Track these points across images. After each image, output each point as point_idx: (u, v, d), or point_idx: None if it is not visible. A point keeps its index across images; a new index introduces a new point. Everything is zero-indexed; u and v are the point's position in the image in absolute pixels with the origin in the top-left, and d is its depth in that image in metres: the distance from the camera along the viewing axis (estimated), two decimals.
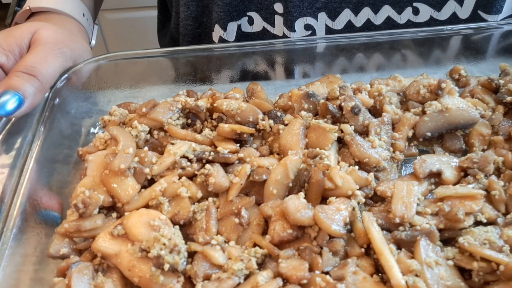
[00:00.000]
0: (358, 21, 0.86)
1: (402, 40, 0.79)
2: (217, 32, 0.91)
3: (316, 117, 0.68)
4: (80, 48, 0.77)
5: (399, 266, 0.50)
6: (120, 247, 0.53)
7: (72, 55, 0.73)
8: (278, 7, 0.85)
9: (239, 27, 0.90)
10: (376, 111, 0.71)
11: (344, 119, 0.67)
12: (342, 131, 0.65)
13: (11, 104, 0.62)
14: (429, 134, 0.66)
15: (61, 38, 0.73)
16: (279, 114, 0.69)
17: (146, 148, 0.63)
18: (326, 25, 0.87)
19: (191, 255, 0.54)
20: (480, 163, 0.60)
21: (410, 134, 0.67)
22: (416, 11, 0.83)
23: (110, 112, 0.70)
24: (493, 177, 0.59)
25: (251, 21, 0.89)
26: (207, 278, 0.52)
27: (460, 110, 0.67)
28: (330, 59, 0.81)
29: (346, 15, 0.85)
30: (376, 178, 0.62)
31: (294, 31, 0.87)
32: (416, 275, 0.50)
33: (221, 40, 0.92)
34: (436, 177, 0.62)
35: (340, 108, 0.67)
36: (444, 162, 0.62)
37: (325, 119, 0.67)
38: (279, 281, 0.50)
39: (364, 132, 0.67)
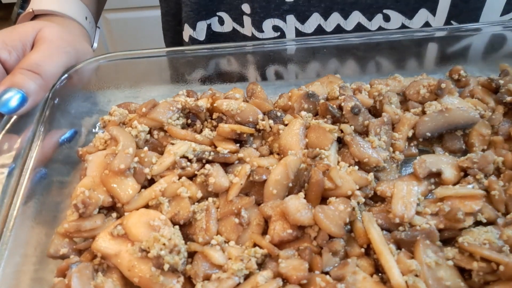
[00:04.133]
0: (328, 26, 0.85)
1: (402, 41, 0.79)
2: (187, 31, 0.92)
3: (316, 117, 0.68)
4: (83, 49, 0.77)
5: (399, 266, 0.51)
6: (120, 247, 0.53)
7: (76, 55, 0.73)
8: (246, 7, 0.85)
9: (209, 26, 0.90)
10: (376, 111, 0.71)
11: (344, 119, 0.67)
12: (342, 131, 0.65)
13: (14, 102, 0.63)
14: (429, 134, 0.66)
15: (66, 37, 0.73)
16: (279, 114, 0.69)
17: (146, 148, 0.63)
18: (295, 28, 0.86)
19: (191, 255, 0.54)
20: (480, 163, 0.60)
21: (410, 134, 0.67)
22: (387, 18, 0.83)
23: (110, 112, 0.70)
24: (493, 177, 0.59)
25: (221, 21, 0.89)
26: (207, 278, 0.52)
27: (460, 110, 0.67)
28: (330, 60, 0.81)
29: (316, 19, 0.84)
30: (376, 178, 0.62)
31: (262, 31, 0.86)
32: (416, 275, 0.50)
33: (191, 39, 0.92)
34: (436, 177, 0.62)
35: (340, 108, 0.67)
36: (444, 162, 0.62)
37: (325, 119, 0.67)
38: (279, 281, 0.50)
39: (364, 132, 0.67)
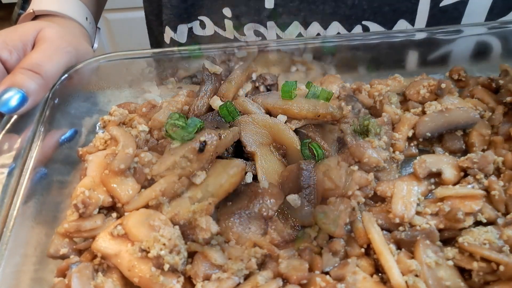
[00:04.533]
0: (309, 34, 0.85)
1: (402, 41, 0.79)
2: (168, 33, 0.92)
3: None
4: (84, 49, 0.77)
5: (399, 266, 0.51)
6: (120, 247, 0.53)
7: (76, 55, 0.73)
8: (227, 11, 0.86)
9: (190, 29, 0.91)
10: (376, 111, 0.71)
11: (344, 119, 0.67)
12: (342, 131, 0.65)
13: (14, 101, 0.63)
14: (429, 134, 0.66)
15: (66, 37, 0.73)
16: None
17: (146, 148, 0.63)
18: (276, 34, 0.86)
19: (191, 255, 0.54)
20: (480, 163, 0.60)
21: (410, 134, 0.67)
22: (366, 29, 0.83)
23: (110, 112, 0.70)
24: (493, 177, 0.59)
25: (203, 25, 0.89)
26: (207, 278, 0.52)
27: (460, 110, 0.67)
28: (331, 60, 0.81)
29: (296, 27, 0.85)
30: (376, 178, 0.62)
31: (244, 35, 0.87)
32: (416, 275, 0.50)
33: (173, 41, 0.92)
34: (436, 177, 0.62)
35: (340, 108, 0.67)
36: (444, 162, 0.62)
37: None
38: (279, 281, 0.50)
39: (364, 132, 0.67)
